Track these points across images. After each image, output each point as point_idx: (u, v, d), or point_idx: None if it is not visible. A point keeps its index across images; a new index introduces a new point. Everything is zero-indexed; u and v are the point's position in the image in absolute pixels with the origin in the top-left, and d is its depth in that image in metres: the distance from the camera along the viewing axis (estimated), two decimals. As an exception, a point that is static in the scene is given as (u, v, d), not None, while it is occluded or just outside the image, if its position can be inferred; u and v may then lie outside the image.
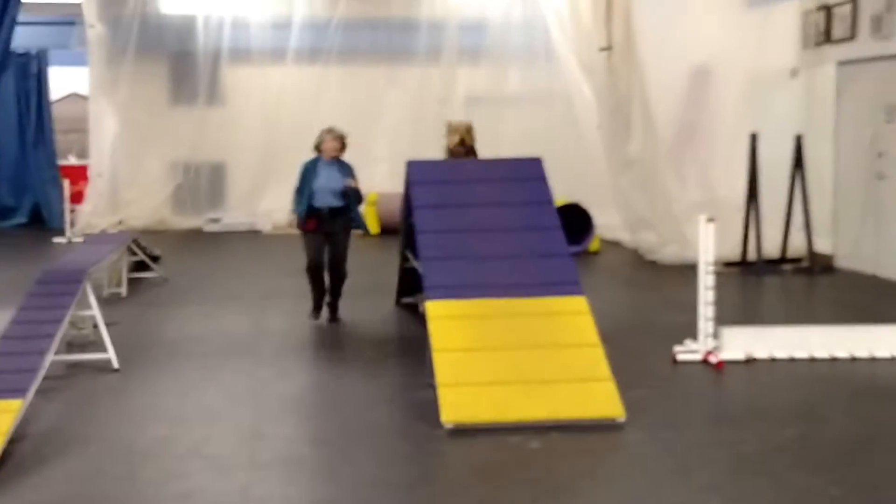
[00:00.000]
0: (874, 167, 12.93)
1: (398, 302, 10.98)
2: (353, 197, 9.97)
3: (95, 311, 8.74)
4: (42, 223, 19.38)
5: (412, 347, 8.96)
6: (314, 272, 9.96)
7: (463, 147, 10.03)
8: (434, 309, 7.65)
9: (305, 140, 10.20)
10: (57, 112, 20.15)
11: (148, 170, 19.22)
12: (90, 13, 18.44)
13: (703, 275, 8.56)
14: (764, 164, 13.30)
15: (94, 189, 18.81)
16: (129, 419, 7.12)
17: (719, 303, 8.66)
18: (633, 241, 15.36)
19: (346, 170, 9.98)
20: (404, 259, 10.33)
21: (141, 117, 18.96)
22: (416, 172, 9.14)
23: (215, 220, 18.95)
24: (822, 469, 6.01)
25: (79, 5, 18.55)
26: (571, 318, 7.66)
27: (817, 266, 13.36)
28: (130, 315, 10.61)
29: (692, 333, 8.78)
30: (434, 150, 15.60)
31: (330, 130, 10.08)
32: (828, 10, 13.73)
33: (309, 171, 9.98)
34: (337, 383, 8.20)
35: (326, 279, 10.09)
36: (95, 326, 8.89)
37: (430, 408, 6.98)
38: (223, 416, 7.19)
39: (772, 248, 13.52)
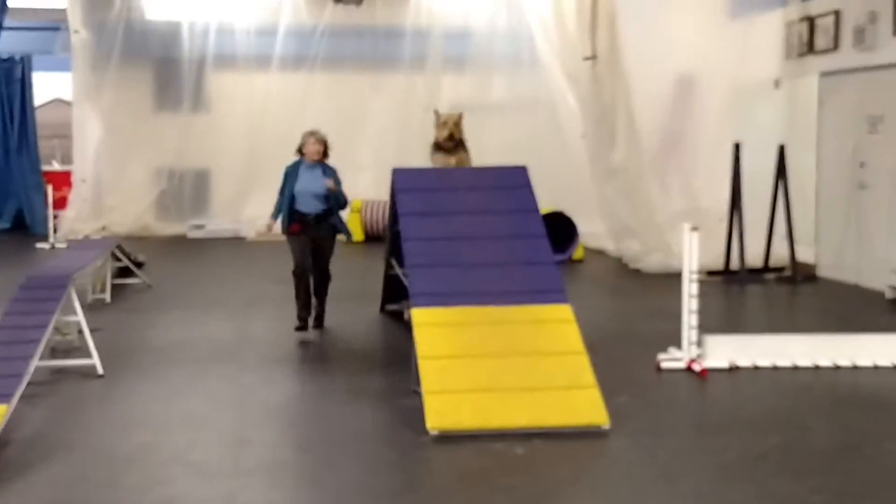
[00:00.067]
0: (856, 177, 13.02)
1: (383, 309, 10.99)
2: (334, 200, 9.84)
3: (80, 316, 8.72)
4: (25, 229, 19.35)
5: (397, 354, 8.97)
6: (300, 276, 9.84)
7: (452, 141, 9.69)
8: (419, 316, 7.66)
9: (290, 147, 10.11)
10: (40, 117, 20.08)
11: (132, 176, 19.17)
12: (75, 19, 18.40)
13: (687, 283, 8.60)
14: (747, 173, 13.36)
15: (78, 195, 18.75)
16: (113, 425, 7.11)
17: (703, 311, 8.70)
18: (617, 249, 15.42)
19: (330, 173, 9.89)
20: (389, 266, 10.33)
21: (125, 123, 18.93)
22: (402, 180, 9.15)
23: (199, 227, 18.93)
24: (805, 476, 6.05)
25: (63, 11, 18.52)
26: (556, 325, 7.69)
27: (800, 275, 13.43)
28: (115, 321, 10.60)
29: (676, 341, 8.82)
30: (419, 157, 15.68)
31: (312, 133, 9.96)
32: (811, 21, 13.83)
33: (290, 175, 9.90)
34: (321, 390, 8.20)
35: (312, 286, 9.99)
36: (80, 332, 8.86)
37: (415, 415, 7.00)
38: (208, 422, 7.19)
39: (755, 258, 13.59)
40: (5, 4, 17.22)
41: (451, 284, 7.96)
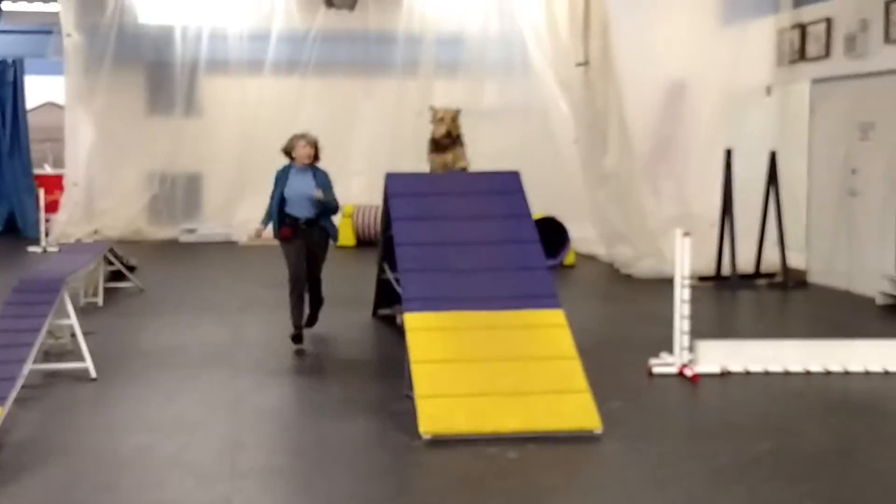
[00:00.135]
0: (847, 184, 13.07)
1: (375, 313, 11.01)
2: (322, 207, 9.56)
3: (73, 320, 8.73)
4: (17, 232, 19.31)
5: (390, 359, 8.99)
6: (296, 284, 9.54)
7: (449, 138, 9.61)
8: (412, 321, 7.68)
9: (282, 152, 10.02)
10: (32, 121, 20.05)
11: (124, 180, 19.14)
12: (67, 22, 18.37)
13: (678, 288, 8.63)
14: (738, 179, 13.41)
15: (70, 198, 18.71)
16: (107, 428, 7.12)
17: (694, 317, 8.74)
18: (609, 254, 15.45)
19: (321, 177, 9.59)
20: (382, 271, 10.35)
21: (117, 127, 18.90)
22: (395, 185, 9.17)
23: (191, 231, 18.92)
24: (797, 482, 6.09)
25: (56, 14, 18.50)
26: (549, 330, 7.72)
27: (791, 281, 13.48)
28: (107, 325, 10.59)
29: (668, 347, 8.86)
30: (411, 162, 15.73)
31: (302, 136, 9.66)
32: (802, 28, 13.90)
33: (280, 179, 9.62)
34: (315, 394, 8.22)
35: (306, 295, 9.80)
36: (73, 335, 8.87)
37: (408, 419, 7.02)
38: (201, 425, 7.20)
39: (746, 263, 13.64)
40: (-1, 9, 17.25)
41: (444, 289, 7.98)
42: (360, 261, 14.47)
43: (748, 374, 8.65)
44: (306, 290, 9.75)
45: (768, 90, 14.60)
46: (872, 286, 12.21)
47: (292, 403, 8.12)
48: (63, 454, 6.51)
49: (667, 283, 9.34)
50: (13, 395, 6.87)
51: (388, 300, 10.44)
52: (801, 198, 13.99)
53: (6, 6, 17.80)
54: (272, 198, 9.65)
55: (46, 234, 17.51)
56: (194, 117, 19.40)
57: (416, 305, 7.80)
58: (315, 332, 9.96)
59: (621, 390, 8.04)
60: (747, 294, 13.11)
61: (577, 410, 7.03)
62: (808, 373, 8.68)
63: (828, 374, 8.67)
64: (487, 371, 7.27)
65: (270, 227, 9.74)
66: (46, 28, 19.58)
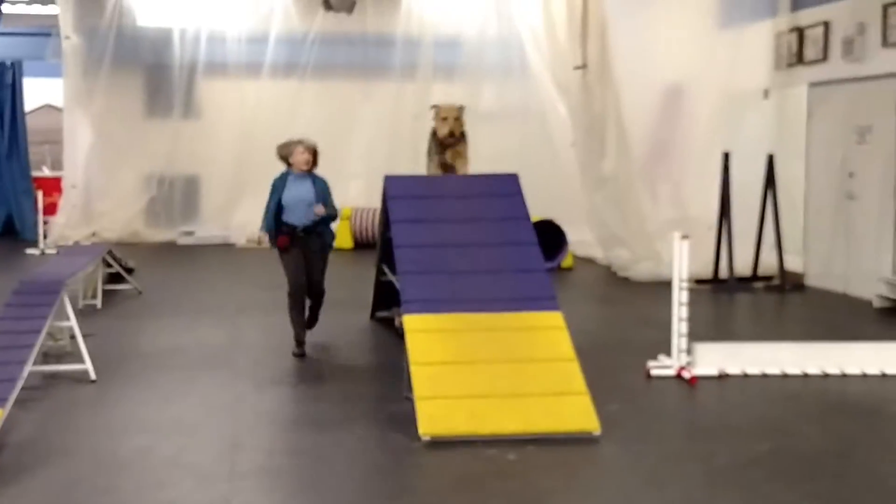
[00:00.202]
0: (845, 187, 13.11)
1: (373, 316, 11.03)
2: (324, 217, 9.41)
3: (73, 322, 8.75)
4: (15, 234, 19.31)
5: (388, 361, 9.01)
6: (296, 296, 9.39)
7: (453, 137, 9.49)
8: (411, 323, 7.70)
9: (279, 159, 9.80)
10: (30, 123, 20.05)
11: (122, 182, 19.15)
12: (66, 24, 18.37)
13: (676, 291, 8.65)
14: (736, 182, 13.44)
15: (68, 201, 18.72)
16: (107, 430, 7.13)
17: (692, 319, 8.76)
18: (606, 257, 15.47)
19: (321, 184, 9.39)
20: (380, 273, 10.36)
21: (116, 129, 18.91)
22: (394, 187, 9.19)
23: (189, 234, 18.93)
24: (796, 483, 6.11)
25: (54, 16, 18.53)
26: (547, 332, 7.74)
27: (788, 284, 13.51)
28: (106, 327, 10.62)
29: (665, 349, 8.89)
30: (409, 165, 15.78)
31: (300, 141, 9.40)
32: (800, 32, 13.94)
33: (278, 187, 9.35)
34: (314, 396, 8.25)
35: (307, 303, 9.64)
36: (72, 337, 8.89)
37: (407, 420, 7.05)
38: (201, 426, 7.22)
39: (743, 266, 13.67)
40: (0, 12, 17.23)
41: (443, 291, 8.00)
42: (358, 263, 14.50)
43: (746, 376, 8.68)
44: (307, 300, 9.58)
45: (766, 93, 14.64)
46: (869, 289, 12.25)
47: (291, 405, 8.13)
48: (63, 455, 6.53)
49: (664, 286, 9.37)
50: (13, 396, 6.88)
51: (386, 302, 10.46)
52: (799, 201, 14.02)
53: (5, 8, 17.79)
54: (268, 208, 9.38)
55: (44, 237, 17.52)
56: (192, 120, 19.41)
57: (415, 307, 7.82)
58: (313, 334, 9.94)
59: (619, 392, 8.07)
60: (744, 297, 13.14)
61: (576, 412, 7.05)
62: (805, 375, 8.70)
63: (825, 376, 8.70)
64: (487, 373, 7.30)
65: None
66: (45, 30, 19.63)
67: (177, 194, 19.42)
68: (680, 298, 8.64)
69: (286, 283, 9.46)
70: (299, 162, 9.37)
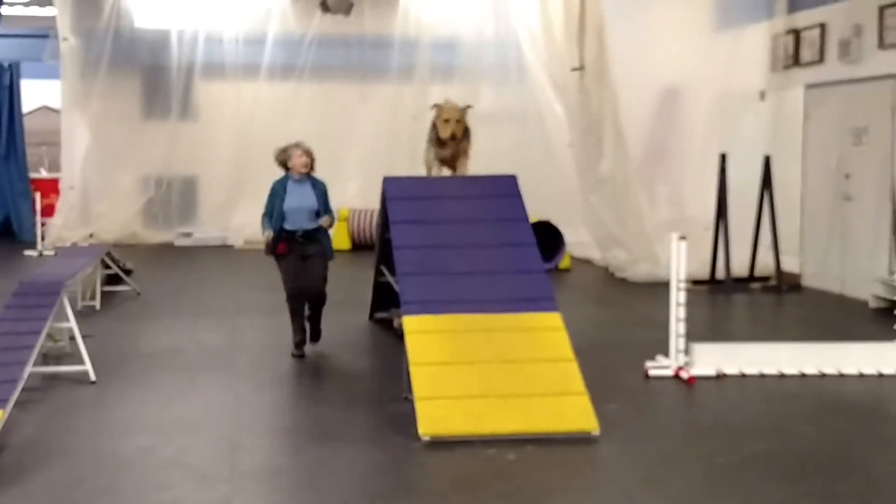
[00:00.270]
0: (841, 188, 13.15)
1: (372, 317, 11.05)
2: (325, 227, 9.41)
3: (72, 323, 8.76)
4: (12, 236, 19.33)
5: (387, 361, 9.04)
6: (294, 301, 9.37)
7: (454, 140, 9.34)
8: (411, 324, 7.72)
9: (277, 164, 9.66)
10: (28, 125, 20.07)
11: (119, 183, 19.18)
12: (64, 26, 18.37)
13: (674, 291, 8.68)
14: (733, 183, 13.49)
15: (66, 202, 18.73)
16: (107, 430, 7.15)
17: (689, 320, 8.79)
18: (604, 258, 15.51)
19: (321, 188, 9.38)
20: (379, 274, 10.38)
21: (113, 131, 18.93)
22: (393, 188, 9.21)
23: (187, 235, 18.96)
24: (793, 482, 6.14)
25: (52, 18, 18.54)
26: (546, 333, 7.76)
27: (785, 285, 13.55)
28: (105, 328, 10.64)
29: (663, 349, 8.92)
30: (406, 167, 15.80)
31: (298, 145, 9.35)
32: (796, 33, 13.98)
33: (278, 192, 9.28)
34: (313, 397, 8.28)
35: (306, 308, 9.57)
36: (72, 338, 8.91)
37: (406, 420, 7.07)
38: (202, 427, 7.24)
39: (740, 267, 13.71)
40: (-1, 14, 17.28)
41: (442, 292, 8.02)
42: (356, 264, 14.51)
43: (743, 376, 8.71)
44: (307, 308, 9.50)
45: (762, 95, 14.69)
46: (865, 290, 12.29)
47: (291, 406, 8.17)
48: (63, 456, 6.54)
49: (661, 287, 9.41)
50: (14, 397, 6.90)
51: (384, 303, 10.49)
52: (795, 202, 14.06)
53: (3, 10, 17.80)
54: (266, 212, 9.31)
55: (42, 238, 17.54)
56: (190, 121, 19.44)
57: (414, 308, 7.84)
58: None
59: (618, 393, 8.10)
60: (741, 297, 13.18)
61: (575, 412, 7.08)
62: (802, 375, 8.74)
63: (822, 376, 8.74)
64: (486, 373, 7.32)
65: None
66: (43, 32, 19.60)
67: (175, 196, 19.46)
68: (678, 299, 8.67)
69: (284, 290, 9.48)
70: (298, 165, 9.32)
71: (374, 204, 10.58)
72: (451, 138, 9.37)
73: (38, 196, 17.82)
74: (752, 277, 13.82)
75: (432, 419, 6.91)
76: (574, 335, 7.87)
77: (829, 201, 13.41)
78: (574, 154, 16.19)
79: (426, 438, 6.81)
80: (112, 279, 13.00)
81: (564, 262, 15.55)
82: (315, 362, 9.40)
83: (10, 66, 19.63)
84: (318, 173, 9.60)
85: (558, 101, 16.92)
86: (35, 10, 19.73)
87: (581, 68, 15.53)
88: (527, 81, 18.24)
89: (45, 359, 8.89)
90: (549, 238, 14.99)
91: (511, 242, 8.59)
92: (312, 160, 9.44)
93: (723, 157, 13.46)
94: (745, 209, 13.58)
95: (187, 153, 19.28)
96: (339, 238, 16.85)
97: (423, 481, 6.40)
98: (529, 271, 8.34)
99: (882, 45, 12.21)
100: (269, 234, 9.26)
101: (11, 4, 19.34)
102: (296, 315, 9.47)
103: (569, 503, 6.02)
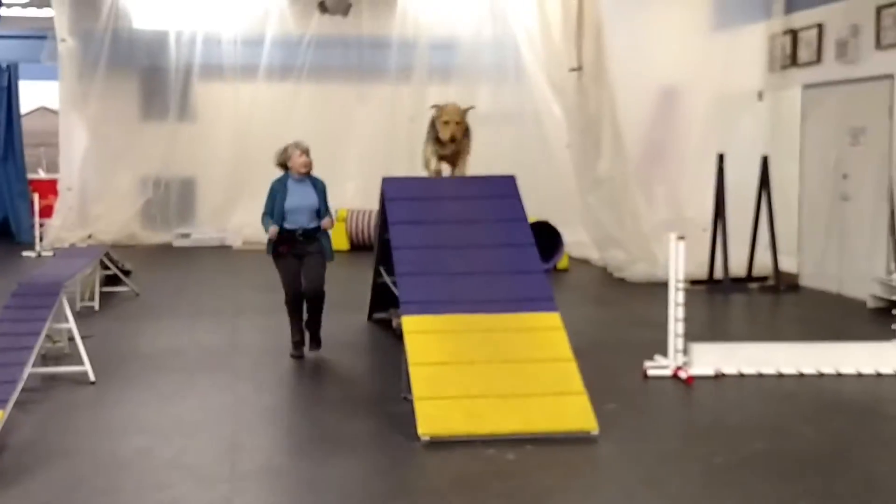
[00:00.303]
0: (839, 188, 13.17)
1: (370, 317, 11.06)
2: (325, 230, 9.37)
3: (71, 324, 8.77)
4: (11, 237, 19.33)
5: (386, 362, 9.05)
6: (293, 303, 9.36)
7: (453, 142, 9.30)
8: (410, 324, 7.73)
9: (277, 166, 9.61)
10: (26, 126, 20.06)
11: (118, 184, 19.18)
12: (62, 27, 18.37)
13: (673, 291, 8.70)
14: (731, 184, 13.51)
15: (64, 203, 18.74)
16: (107, 431, 7.16)
17: (687, 320, 8.81)
18: (602, 258, 15.52)
19: (321, 187, 9.35)
20: (378, 274, 10.39)
21: (111, 132, 18.93)
22: (392, 189, 9.22)
23: (185, 236, 18.97)
24: (792, 481, 6.15)
25: (50, 19, 18.53)
26: (545, 333, 7.77)
27: (783, 284, 13.57)
28: (104, 328, 10.65)
29: (662, 349, 8.94)
30: (405, 167, 15.81)
31: (297, 145, 9.30)
32: (794, 34, 14.00)
33: (278, 191, 9.24)
34: (313, 396, 8.29)
35: (304, 308, 9.51)
36: (70, 339, 8.91)
37: (406, 421, 7.09)
38: (202, 427, 7.25)
39: (738, 267, 13.73)
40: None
41: (441, 292, 8.03)
42: (355, 265, 14.51)
43: (742, 376, 8.73)
44: (305, 311, 9.46)
45: (760, 95, 14.71)
46: (863, 289, 12.31)
47: (290, 406, 8.18)
48: (63, 457, 6.55)
49: (660, 287, 9.42)
50: (14, 397, 6.91)
51: (383, 304, 10.50)
52: (793, 202, 14.08)
53: (2, 11, 17.80)
54: (266, 212, 9.27)
55: (40, 239, 17.54)
56: (188, 122, 19.45)
57: (413, 308, 7.85)
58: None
59: (617, 392, 8.11)
60: (739, 297, 13.20)
61: (574, 412, 7.09)
62: (801, 375, 8.76)
63: (820, 375, 8.75)
64: (485, 373, 7.33)
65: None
66: (41, 33, 19.59)
67: (173, 196, 19.46)
68: (676, 299, 8.69)
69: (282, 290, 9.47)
70: (298, 165, 9.28)
71: (373, 204, 10.58)
72: (450, 140, 9.33)
73: (36, 197, 17.82)
74: (750, 277, 13.84)
75: (432, 419, 6.92)
76: (573, 335, 7.88)
77: (826, 201, 13.43)
78: (572, 154, 16.20)
79: (426, 438, 6.82)
80: (111, 280, 12.99)
81: (563, 263, 15.57)
82: (314, 363, 9.41)
83: (8, 67, 19.60)
84: (317, 174, 9.57)
85: (556, 101, 16.93)
86: (33, 12, 19.70)
87: (579, 69, 15.54)
88: (525, 82, 18.25)
89: (45, 359, 8.90)
90: (547, 238, 15.01)
91: (510, 243, 8.60)
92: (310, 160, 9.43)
93: (721, 158, 13.47)
94: (742, 209, 13.60)
95: (185, 154, 19.29)
96: (338, 238, 16.84)
97: (423, 481, 6.41)
98: (528, 271, 8.35)
99: (879, 45, 12.24)
100: (275, 228, 9.17)
101: (9, 5, 19.33)
102: (294, 316, 9.48)
103: (568, 503, 6.03)
